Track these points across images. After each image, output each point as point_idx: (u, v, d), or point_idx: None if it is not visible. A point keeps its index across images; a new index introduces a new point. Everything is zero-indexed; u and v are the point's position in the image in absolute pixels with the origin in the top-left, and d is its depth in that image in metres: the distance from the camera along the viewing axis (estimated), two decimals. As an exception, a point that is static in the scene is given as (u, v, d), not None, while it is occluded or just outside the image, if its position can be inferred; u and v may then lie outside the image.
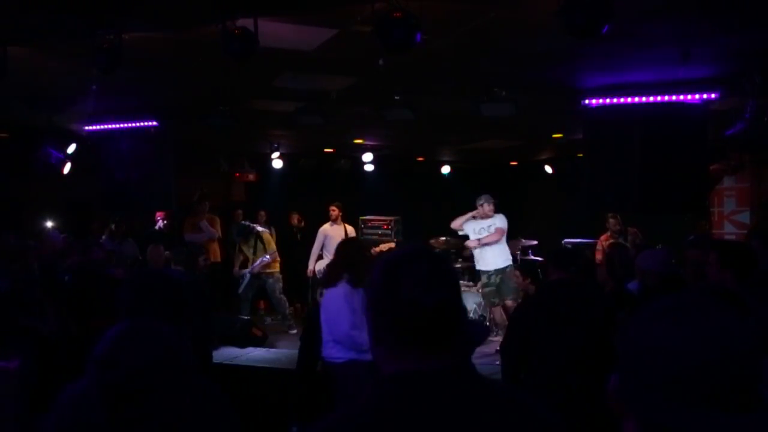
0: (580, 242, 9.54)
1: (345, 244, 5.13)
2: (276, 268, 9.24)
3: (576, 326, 3.93)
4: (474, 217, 8.05)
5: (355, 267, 4.58)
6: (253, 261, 9.22)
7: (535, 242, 10.40)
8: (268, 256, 9.17)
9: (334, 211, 9.37)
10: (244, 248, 9.31)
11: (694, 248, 5.33)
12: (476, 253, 8.05)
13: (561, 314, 4.01)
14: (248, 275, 9.06)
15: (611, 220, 8.86)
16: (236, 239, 9.49)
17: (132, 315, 2.12)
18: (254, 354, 7.41)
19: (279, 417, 5.31)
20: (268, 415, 5.32)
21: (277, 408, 5.62)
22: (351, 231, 9.56)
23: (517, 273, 5.40)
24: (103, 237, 9.30)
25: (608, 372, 1.08)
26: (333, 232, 9.37)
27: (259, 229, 9.35)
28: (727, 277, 3.62)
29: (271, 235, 9.78)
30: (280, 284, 9.20)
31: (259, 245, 9.25)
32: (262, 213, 10.83)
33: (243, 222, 9.59)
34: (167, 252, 7.15)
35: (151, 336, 1.66)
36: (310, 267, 9.35)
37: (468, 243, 8.13)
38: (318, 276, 9.38)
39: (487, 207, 7.96)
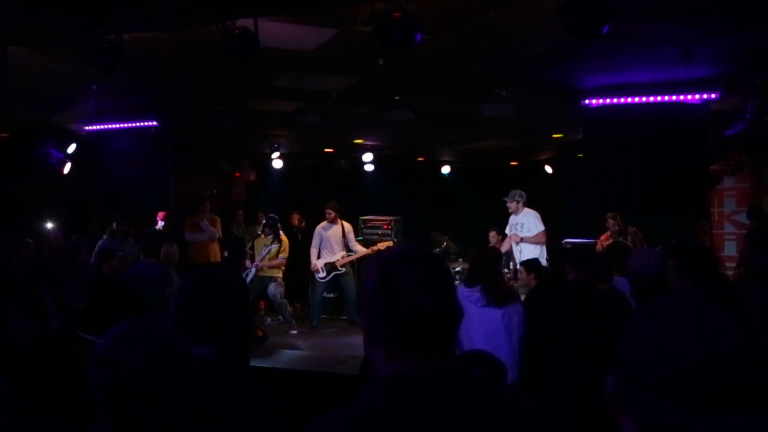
0: (580, 242, 9.54)
1: (480, 254, 4.66)
2: (279, 273, 9.25)
3: (595, 326, 3.89)
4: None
5: (487, 280, 4.25)
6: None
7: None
8: (273, 247, 9.16)
9: (330, 214, 9.37)
10: (258, 244, 9.28)
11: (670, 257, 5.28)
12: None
13: (580, 314, 3.98)
14: (253, 270, 9.05)
15: (610, 221, 8.86)
16: (266, 231, 9.40)
17: (181, 319, 2.11)
18: (254, 354, 7.40)
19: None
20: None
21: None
22: (348, 228, 9.56)
23: (522, 269, 5.32)
24: (104, 237, 9.30)
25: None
26: (330, 231, 9.39)
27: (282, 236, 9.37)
28: (688, 286, 3.51)
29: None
30: (282, 289, 9.19)
31: (274, 247, 9.24)
32: (261, 214, 10.83)
33: (273, 215, 9.58)
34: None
35: (151, 335, 1.66)
36: (313, 262, 9.40)
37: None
38: (318, 275, 9.39)
39: (510, 204, 8.08)
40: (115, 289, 5.42)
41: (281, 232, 9.31)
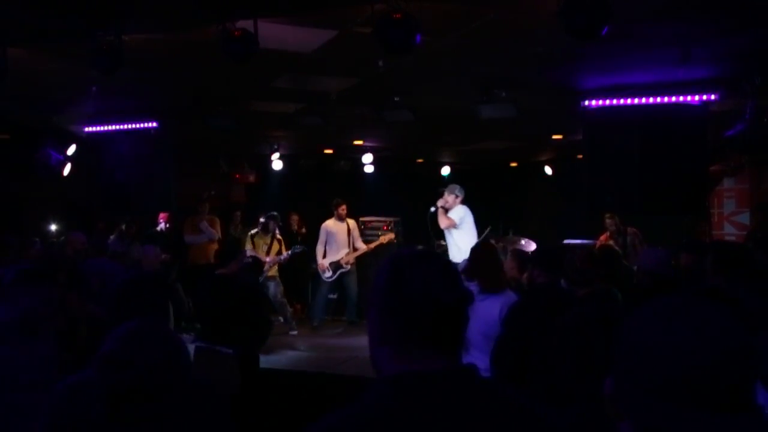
0: (579, 243, 9.54)
1: (477, 249, 4.72)
2: (277, 273, 9.26)
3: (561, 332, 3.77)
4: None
5: (485, 273, 4.33)
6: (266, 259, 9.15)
7: (534, 243, 10.43)
8: (295, 251, 9.21)
9: (344, 210, 9.35)
10: (259, 243, 9.27)
11: (686, 252, 5.26)
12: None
13: (547, 320, 3.87)
14: (265, 273, 9.05)
15: (608, 221, 8.86)
16: (265, 229, 9.36)
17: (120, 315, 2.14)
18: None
19: (279, 418, 5.32)
20: (269, 416, 5.32)
21: (277, 409, 5.62)
22: (353, 226, 9.53)
23: (514, 265, 5.17)
24: (111, 237, 9.33)
25: (601, 377, 1.08)
26: (337, 228, 9.36)
27: (278, 236, 9.40)
28: (721, 281, 3.56)
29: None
30: (281, 288, 9.21)
31: (275, 247, 9.24)
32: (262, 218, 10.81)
33: (273, 213, 9.57)
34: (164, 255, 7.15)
35: (158, 336, 1.68)
36: (320, 261, 9.38)
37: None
38: (324, 275, 9.36)
39: (448, 197, 7.61)
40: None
41: (276, 231, 9.35)
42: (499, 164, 13.68)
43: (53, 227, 9.75)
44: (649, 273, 4.35)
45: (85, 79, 5.67)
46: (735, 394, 0.92)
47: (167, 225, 10.00)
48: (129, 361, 1.59)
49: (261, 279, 8.95)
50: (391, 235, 9.60)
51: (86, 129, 8.35)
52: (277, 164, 11.28)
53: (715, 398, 0.92)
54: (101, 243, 8.54)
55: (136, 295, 2.29)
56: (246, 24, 4.38)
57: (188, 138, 9.25)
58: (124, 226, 9.30)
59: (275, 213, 9.49)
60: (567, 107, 6.93)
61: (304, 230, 10.89)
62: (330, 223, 9.45)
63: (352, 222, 9.59)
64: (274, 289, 9.11)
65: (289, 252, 9.19)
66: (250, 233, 9.44)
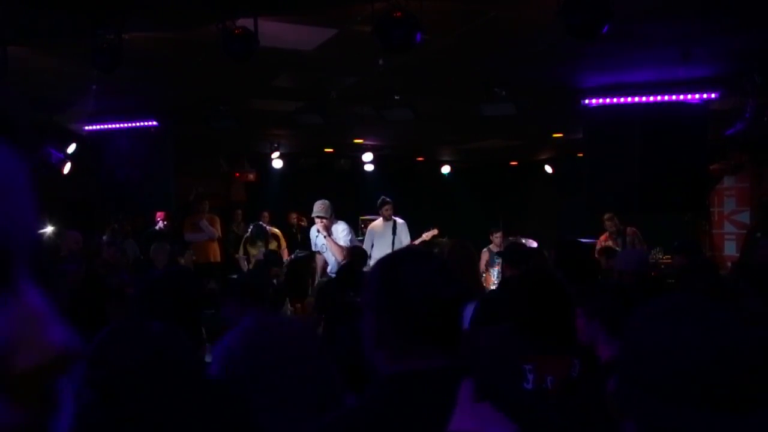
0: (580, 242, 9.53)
1: (454, 249, 4.82)
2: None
3: None
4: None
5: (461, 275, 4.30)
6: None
7: (535, 242, 10.44)
8: (298, 256, 9.17)
9: (388, 210, 8.80)
10: (251, 249, 9.27)
11: (678, 254, 5.31)
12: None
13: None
14: None
15: (607, 222, 8.83)
16: (253, 240, 9.38)
17: (142, 315, 2.14)
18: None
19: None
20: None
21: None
22: (401, 225, 9.10)
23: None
24: (104, 237, 9.31)
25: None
26: (382, 228, 8.94)
27: (271, 228, 9.42)
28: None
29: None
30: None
31: (273, 243, 9.22)
32: (266, 214, 10.81)
33: (259, 222, 9.55)
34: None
35: (139, 336, 1.67)
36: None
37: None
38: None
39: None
40: None
41: (270, 230, 9.34)
42: (500, 163, 13.67)
43: (50, 228, 9.72)
44: (632, 273, 4.38)
45: (86, 77, 5.67)
46: (739, 394, 0.92)
47: (165, 223, 10.00)
48: (104, 360, 1.60)
49: None
50: (435, 231, 9.25)
51: (86, 127, 8.35)
52: (277, 163, 11.28)
53: (720, 398, 0.91)
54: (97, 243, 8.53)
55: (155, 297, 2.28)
56: (246, 22, 4.38)
57: (188, 136, 9.24)
58: (116, 225, 9.28)
59: (259, 222, 9.53)
60: (567, 106, 6.93)
61: (304, 223, 10.84)
62: (377, 224, 9.13)
63: (400, 221, 9.21)
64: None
65: (291, 257, 9.14)
66: (243, 238, 9.46)
